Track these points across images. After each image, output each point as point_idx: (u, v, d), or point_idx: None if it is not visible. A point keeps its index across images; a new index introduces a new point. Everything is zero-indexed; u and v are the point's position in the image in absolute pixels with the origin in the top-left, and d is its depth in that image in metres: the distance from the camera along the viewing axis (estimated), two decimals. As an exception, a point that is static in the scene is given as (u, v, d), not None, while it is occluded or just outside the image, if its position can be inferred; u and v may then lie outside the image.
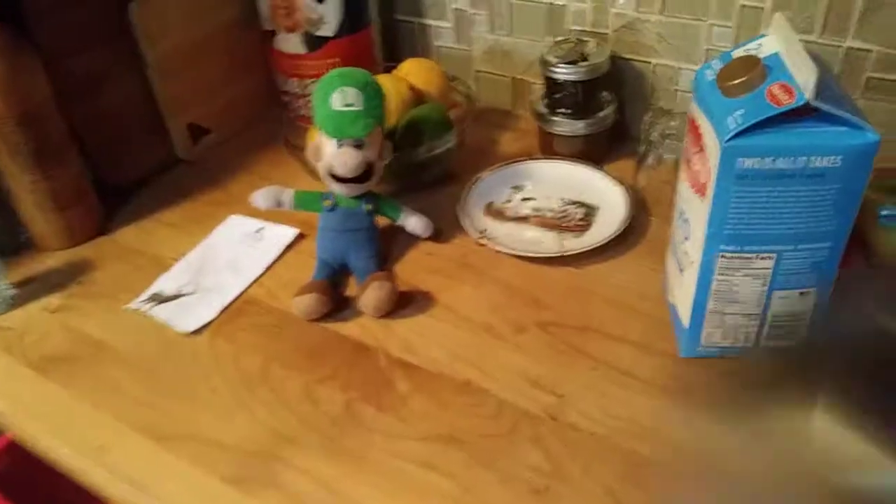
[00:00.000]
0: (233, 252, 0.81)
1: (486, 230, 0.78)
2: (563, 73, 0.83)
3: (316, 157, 0.73)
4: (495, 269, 0.75)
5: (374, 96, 0.72)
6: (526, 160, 0.88)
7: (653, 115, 0.79)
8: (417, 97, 0.86)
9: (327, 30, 0.92)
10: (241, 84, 1.01)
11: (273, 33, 0.95)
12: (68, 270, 0.81)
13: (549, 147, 0.90)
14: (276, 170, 0.94)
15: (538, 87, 0.97)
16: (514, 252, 0.75)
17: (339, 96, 0.70)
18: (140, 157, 0.94)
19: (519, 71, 0.97)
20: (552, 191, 0.84)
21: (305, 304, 0.69)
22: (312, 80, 0.96)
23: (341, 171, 0.71)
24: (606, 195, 0.82)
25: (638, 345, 0.66)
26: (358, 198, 0.75)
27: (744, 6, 0.78)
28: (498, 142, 0.96)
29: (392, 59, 1.03)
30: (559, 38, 0.86)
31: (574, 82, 0.83)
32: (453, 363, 0.66)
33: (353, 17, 0.93)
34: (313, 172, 0.83)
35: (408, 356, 0.67)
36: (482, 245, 0.77)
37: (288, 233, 0.82)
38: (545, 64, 0.84)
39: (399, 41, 1.05)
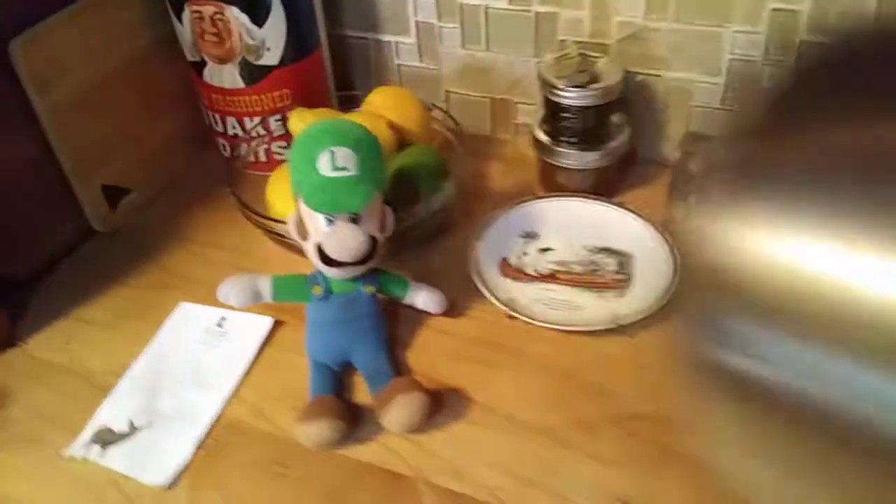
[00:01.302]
0: (192, 356, 0.64)
1: (512, 300, 0.64)
2: (570, 98, 0.70)
3: (301, 235, 0.57)
4: (532, 346, 0.62)
5: (371, 155, 0.56)
6: (531, 200, 0.75)
7: (687, 142, 0.67)
8: (398, 138, 0.71)
9: (270, 57, 0.75)
10: (165, 128, 0.82)
11: (201, 64, 0.76)
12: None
13: (552, 181, 0.77)
14: (225, 233, 0.76)
15: (526, 108, 0.84)
16: (556, 327, 0.62)
17: (327, 159, 0.54)
18: (44, 236, 0.73)
19: (500, 90, 0.84)
20: (571, 236, 0.71)
21: (318, 435, 0.54)
22: (257, 117, 0.78)
23: (339, 255, 0.55)
24: (637, 237, 0.70)
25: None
26: (355, 279, 0.59)
27: (776, 9, 0.67)
28: (486, 175, 0.82)
29: (343, 87, 0.87)
30: (559, 54, 0.73)
31: (583, 108, 0.71)
32: (517, 487, 0.53)
33: (299, 38, 0.76)
34: (274, 234, 0.66)
35: (455, 484, 0.53)
36: (513, 318, 0.64)
37: (261, 323, 0.65)
38: (547, 86, 0.71)
39: (350, 62, 0.89)
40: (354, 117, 0.70)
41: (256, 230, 0.69)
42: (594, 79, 0.70)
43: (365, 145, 0.56)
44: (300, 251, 0.61)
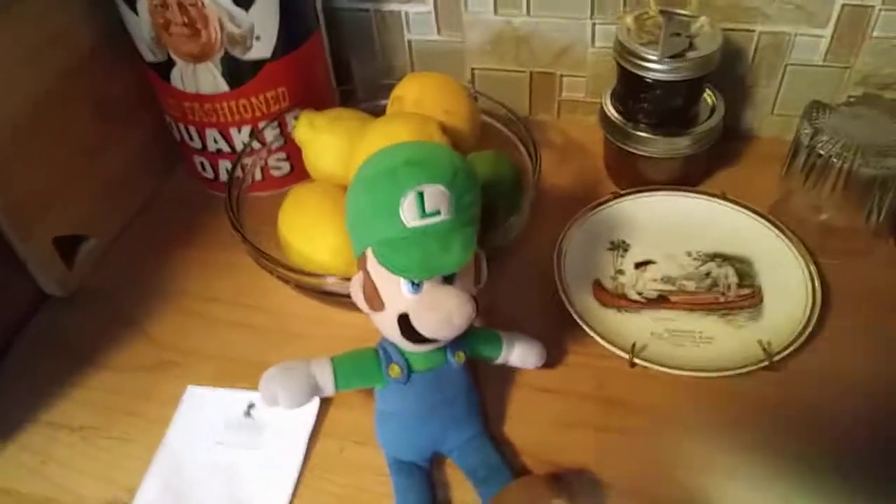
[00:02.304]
0: (219, 467, 0.47)
1: (635, 344, 0.50)
2: (662, 71, 0.55)
3: (373, 305, 0.41)
4: (664, 397, 0.48)
5: (468, 188, 0.40)
6: (611, 200, 0.60)
7: (814, 114, 0.54)
8: (453, 143, 0.54)
9: (260, 49, 0.57)
10: (120, 153, 0.63)
11: (167, 66, 0.57)
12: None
13: (627, 172, 0.62)
14: (219, 279, 0.59)
15: (573, 81, 0.68)
16: (697, 374, 0.48)
17: (413, 203, 0.38)
18: (-17, 316, 0.54)
19: (543, 63, 0.68)
20: (671, 243, 0.58)
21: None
22: (247, 126, 0.60)
23: (438, 331, 0.40)
24: (751, 236, 0.57)
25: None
26: (441, 348, 0.44)
27: (907, -62, 0.54)
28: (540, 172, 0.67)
29: (340, 74, 0.70)
30: (638, 12, 0.57)
31: (675, 83, 0.56)
32: None
33: (294, 21, 0.58)
34: (286, 278, 0.50)
35: None
36: (635, 366, 0.50)
37: (306, 410, 0.49)
38: (628, 55, 0.56)
39: (344, 44, 0.71)
40: (395, 122, 0.53)
41: (259, 269, 0.53)
42: (690, 46, 0.55)
43: (461, 177, 0.40)
44: (331, 301, 0.46)
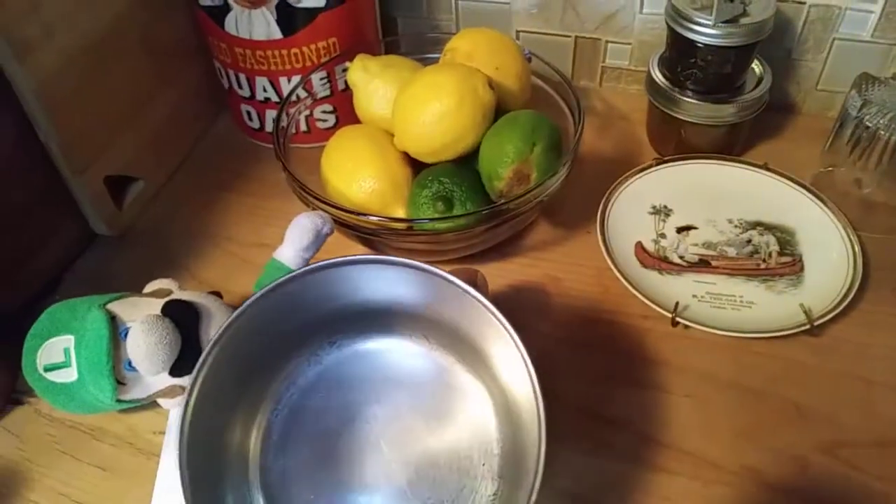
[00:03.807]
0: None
1: (677, 304, 0.51)
2: (714, 35, 0.55)
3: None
4: (705, 358, 0.50)
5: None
6: (654, 165, 0.61)
7: (864, 86, 0.54)
8: (497, 100, 0.55)
9: (315, -3, 0.57)
10: (172, 96, 0.63)
11: (221, 10, 0.58)
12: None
13: (671, 138, 0.63)
14: (266, 227, 0.60)
15: (618, 48, 0.69)
16: (738, 335, 0.49)
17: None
18: (35, 251, 0.55)
19: (589, 28, 0.68)
20: (712, 210, 0.58)
21: None
22: (296, 76, 0.61)
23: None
24: (793, 207, 0.58)
25: None
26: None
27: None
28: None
29: (386, 29, 0.70)
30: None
31: (726, 48, 0.56)
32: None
33: (349, -30, 0.58)
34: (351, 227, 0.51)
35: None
36: (676, 325, 0.51)
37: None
38: (680, 19, 0.56)
39: (391, 1, 0.71)
40: (441, 71, 0.54)
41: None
42: (744, 11, 0.55)
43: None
44: (372, 241, 0.48)
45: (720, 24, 0.54)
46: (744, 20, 0.55)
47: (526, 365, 0.38)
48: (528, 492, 0.35)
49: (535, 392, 0.38)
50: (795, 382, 0.48)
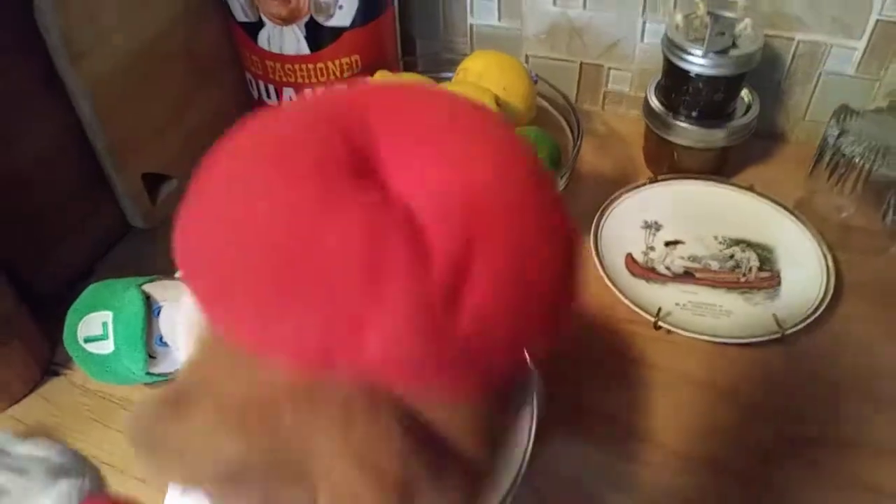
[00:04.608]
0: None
1: (660, 309, 0.56)
2: (704, 65, 0.60)
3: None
4: (684, 360, 0.54)
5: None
6: (647, 183, 0.65)
7: (842, 116, 0.58)
8: (504, 117, 0.60)
9: (342, 17, 0.63)
10: (208, 103, 0.69)
11: (256, 26, 0.63)
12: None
13: (664, 160, 0.67)
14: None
15: (620, 74, 0.74)
16: (714, 339, 0.54)
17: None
18: (75, 239, 0.61)
19: (593, 55, 0.73)
20: (700, 227, 0.63)
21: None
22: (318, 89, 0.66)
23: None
24: (775, 226, 0.62)
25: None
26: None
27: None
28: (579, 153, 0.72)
29: (405, 49, 0.75)
30: (687, 12, 0.62)
31: (715, 77, 0.61)
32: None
33: (373, -5, 0.64)
34: None
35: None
36: (658, 329, 0.55)
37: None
38: (675, 50, 0.61)
39: (413, 22, 0.76)
40: (455, 88, 0.59)
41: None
42: (734, 44, 0.60)
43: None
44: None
45: (711, 55, 0.59)
46: (733, 52, 0.60)
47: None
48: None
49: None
50: (766, 385, 0.52)
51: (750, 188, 0.64)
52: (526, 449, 0.26)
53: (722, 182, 0.65)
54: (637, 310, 0.55)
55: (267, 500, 0.22)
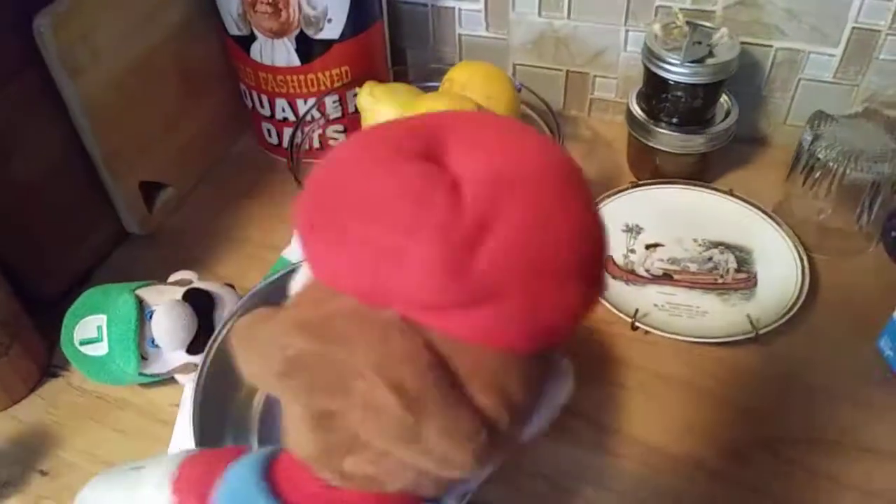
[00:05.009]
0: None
1: (637, 310, 0.57)
2: (682, 74, 0.62)
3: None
4: (661, 360, 0.55)
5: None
6: (628, 188, 0.67)
7: (816, 122, 0.60)
8: (487, 122, 0.61)
9: (331, 30, 0.65)
10: (202, 113, 0.71)
11: (248, 39, 0.66)
12: (16, 452, 0.52)
13: (647, 165, 0.69)
14: (279, 231, 0.67)
15: (605, 82, 0.75)
16: (689, 339, 0.55)
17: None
18: (74, 246, 0.63)
19: (579, 63, 0.75)
20: (679, 230, 0.64)
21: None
22: (312, 98, 0.68)
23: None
24: (752, 229, 0.63)
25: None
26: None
27: (914, -30, 0.60)
28: (564, 159, 0.74)
29: (395, 59, 0.77)
30: (666, 22, 0.64)
31: (694, 85, 0.63)
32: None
33: (361, 8, 0.66)
34: None
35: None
36: (636, 329, 0.57)
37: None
38: (654, 59, 0.63)
39: (402, 32, 0.79)
40: (437, 98, 0.61)
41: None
42: (710, 52, 0.62)
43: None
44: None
45: (687, 64, 0.61)
46: (710, 60, 0.61)
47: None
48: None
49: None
50: (741, 384, 0.54)
51: (729, 192, 0.66)
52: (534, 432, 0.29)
53: (702, 186, 0.67)
54: (615, 311, 0.57)
55: (307, 407, 0.27)
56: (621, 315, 0.57)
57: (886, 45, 0.64)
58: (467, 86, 0.63)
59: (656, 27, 0.63)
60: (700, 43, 0.62)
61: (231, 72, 0.72)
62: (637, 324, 0.56)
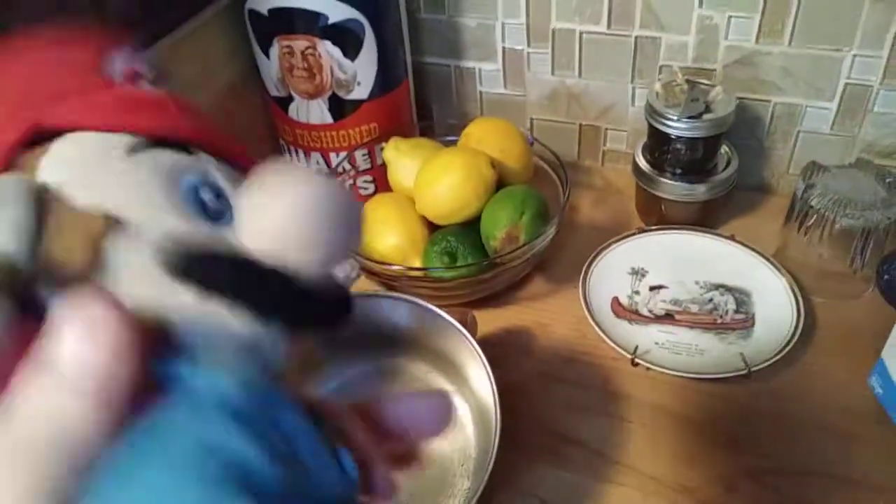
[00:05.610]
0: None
1: (637, 347, 0.61)
2: (681, 128, 0.67)
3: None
4: (659, 394, 0.59)
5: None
6: (636, 234, 0.72)
7: (810, 173, 0.64)
8: (498, 175, 0.67)
9: (360, 91, 0.72)
10: (244, 165, 0.79)
11: (286, 100, 0.73)
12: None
13: (654, 212, 0.74)
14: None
15: (615, 134, 0.81)
16: (686, 375, 0.59)
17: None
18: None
19: (591, 117, 0.80)
20: (683, 273, 0.68)
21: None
22: (343, 152, 0.75)
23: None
24: (751, 272, 0.67)
25: (884, 489, 0.51)
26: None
27: (900, 33, 0.64)
28: (576, 206, 0.79)
29: (420, 115, 0.84)
30: (667, 80, 0.70)
31: (693, 139, 0.67)
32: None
33: (388, 70, 0.73)
34: (379, 276, 0.64)
35: (601, 550, 0.50)
36: (637, 365, 0.61)
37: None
38: (655, 115, 0.68)
39: (428, 90, 0.86)
40: (453, 152, 0.67)
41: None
42: (707, 108, 0.67)
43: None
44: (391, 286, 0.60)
45: (685, 119, 0.66)
46: (707, 116, 0.66)
47: (490, 381, 0.50)
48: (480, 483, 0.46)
49: (494, 401, 0.49)
50: (733, 418, 0.57)
51: (731, 237, 0.70)
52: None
53: (705, 232, 0.71)
54: (617, 348, 0.61)
55: None
56: (623, 352, 0.61)
57: (879, 98, 0.68)
58: (483, 140, 0.69)
59: (657, 85, 0.69)
60: (697, 100, 0.67)
61: (271, 130, 0.79)
62: (637, 360, 0.60)
